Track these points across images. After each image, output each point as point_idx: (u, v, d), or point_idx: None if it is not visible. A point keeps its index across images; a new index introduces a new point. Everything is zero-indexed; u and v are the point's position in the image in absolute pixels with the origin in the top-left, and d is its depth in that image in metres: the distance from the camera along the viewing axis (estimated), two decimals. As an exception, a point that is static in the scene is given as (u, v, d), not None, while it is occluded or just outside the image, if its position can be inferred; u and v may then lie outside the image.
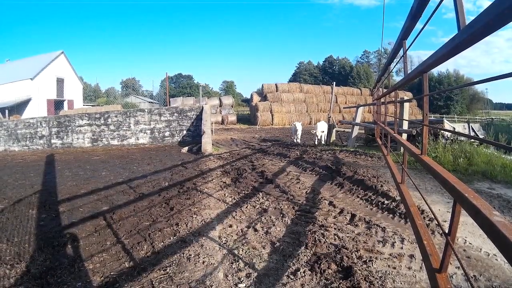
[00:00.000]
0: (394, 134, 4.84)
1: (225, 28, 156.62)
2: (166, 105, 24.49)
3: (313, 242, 4.48)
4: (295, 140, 17.20)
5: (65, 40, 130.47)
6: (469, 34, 1.42)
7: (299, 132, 17.14)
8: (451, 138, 10.22)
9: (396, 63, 5.14)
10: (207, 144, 14.23)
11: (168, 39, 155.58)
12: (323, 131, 16.02)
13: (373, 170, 8.33)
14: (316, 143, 15.83)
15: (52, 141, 17.93)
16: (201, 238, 4.80)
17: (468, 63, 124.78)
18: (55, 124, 17.95)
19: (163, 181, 8.57)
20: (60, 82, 42.78)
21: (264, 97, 41.89)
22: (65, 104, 42.79)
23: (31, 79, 38.28)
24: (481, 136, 12.95)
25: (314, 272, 3.69)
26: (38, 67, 40.03)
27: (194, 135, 17.86)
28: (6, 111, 31.66)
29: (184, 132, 18.30)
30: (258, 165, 10.02)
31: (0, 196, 7.69)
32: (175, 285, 3.54)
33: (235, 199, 6.78)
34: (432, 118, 26.10)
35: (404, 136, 10.39)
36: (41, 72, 39.62)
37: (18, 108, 35.86)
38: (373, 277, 3.54)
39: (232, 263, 4.05)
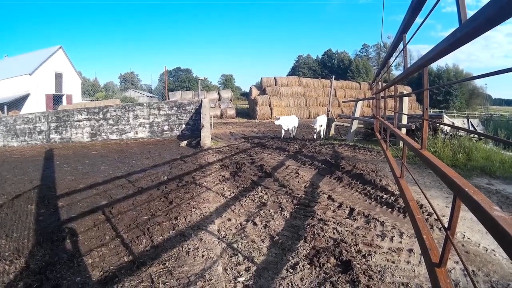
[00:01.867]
0: (394, 129, 4.84)
1: (223, 22, 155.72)
2: (165, 99, 24.44)
3: (312, 236, 4.49)
4: (287, 136, 16.63)
5: (63, 35, 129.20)
6: (470, 29, 1.41)
7: (287, 128, 16.60)
8: (450, 133, 10.22)
9: (396, 57, 5.13)
10: (206, 138, 14.22)
11: (166, 33, 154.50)
12: (321, 125, 15.95)
13: (372, 165, 8.34)
14: (314, 137, 15.79)
15: (51, 136, 17.89)
16: (200, 232, 4.81)
17: (468, 57, 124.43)
18: (53, 119, 17.90)
19: (162, 175, 8.57)
20: (58, 77, 42.60)
21: (263, 91, 41.84)
22: (64, 99, 42.65)
23: (29, 74, 38.12)
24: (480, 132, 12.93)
25: (313, 266, 3.70)
26: (36, 62, 39.85)
27: (193, 129, 17.82)
28: (5, 106, 31.56)
29: (183, 126, 18.26)
30: (257, 159, 10.02)
31: (-1, 191, 7.70)
32: (175, 279, 3.55)
33: (234, 192, 6.79)
34: (431, 112, 26.09)
35: (403, 130, 10.38)
36: (39, 67, 39.45)
37: (17, 103, 35.76)
38: (372, 271, 3.55)
39: (231, 256, 4.06)
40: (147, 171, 9.26)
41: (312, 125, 16.02)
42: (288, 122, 16.77)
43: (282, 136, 16.70)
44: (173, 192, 6.90)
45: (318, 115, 17.40)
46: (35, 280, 3.66)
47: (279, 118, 16.69)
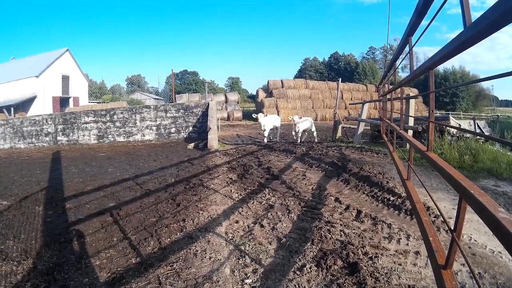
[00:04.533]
0: (400, 131, 4.84)
1: (230, 24, 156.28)
2: (172, 102, 24.60)
3: (319, 238, 4.49)
4: (265, 140, 15.82)
5: (70, 37, 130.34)
6: (475, 32, 1.43)
7: (266, 128, 15.64)
8: (457, 135, 10.17)
9: (402, 60, 5.14)
10: (213, 140, 14.23)
11: (173, 35, 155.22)
12: (304, 129, 15.47)
13: (379, 167, 8.31)
14: (298, 140, 15.17)
15: (58, 138, 18.02)
16: (208, 234, 4.82)
17: (473, 59, 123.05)
18: (60, 121, 18.03)
19: (169, 177, 8.60)
20: (65, 79, 42.98)
21: (269, 93, 41.91)
22: (71, 101, 43.00)
23: (36, 76, 38.51)
24: (486, 133, 12.87)
25: (320, 268, 3.71)
26: (43, 65, 40.25)
27: (200, 132, 17.85)
28: (12, 108, 31.91)
29: (190, 128, 18.30)
30: (264, 161, 10.02)
31: (6, 193, 7.76)
32: (182, 281, 3.57)
33: (241, 195, 6.79)
34: (437, 114, 25.98)
35: (410, 132, 10.35)
36: (46, 69, 39.85)
37: (24, 105, 36.15)
38: (379, 273, 3.55)
39: (238, 258, 4.07)
40: (154, 173, 9.30)
41: (293, 123, 15.48)
42: (267, 122, 15.90)
43: (266, 139, 15.98)
44: (180, 194, 6.93)
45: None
46: (43, 280, 3.70)
47: (266, 115, 16.02)
